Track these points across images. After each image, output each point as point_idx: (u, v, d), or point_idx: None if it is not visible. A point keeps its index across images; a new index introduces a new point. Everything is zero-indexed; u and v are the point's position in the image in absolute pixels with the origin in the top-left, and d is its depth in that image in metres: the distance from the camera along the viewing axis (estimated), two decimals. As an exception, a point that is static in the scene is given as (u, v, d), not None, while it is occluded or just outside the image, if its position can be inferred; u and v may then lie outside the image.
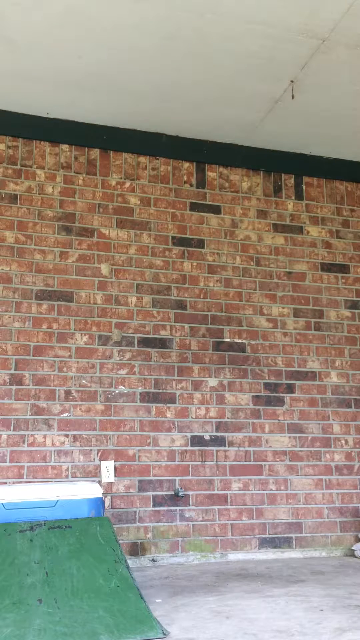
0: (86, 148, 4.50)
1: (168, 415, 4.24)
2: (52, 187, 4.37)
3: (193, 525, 4.12)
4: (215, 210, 4.68)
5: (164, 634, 2.34)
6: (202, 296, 4.50)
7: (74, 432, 4.05)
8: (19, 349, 4.06)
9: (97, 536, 2.76)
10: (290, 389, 4.52)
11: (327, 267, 4.84)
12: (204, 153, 4.65)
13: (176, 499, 4.11)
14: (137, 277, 4.40)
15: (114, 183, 4.51)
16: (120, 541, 3.88)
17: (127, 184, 4.53)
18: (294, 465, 4.40)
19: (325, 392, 4.59)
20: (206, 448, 4.26)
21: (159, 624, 2.39)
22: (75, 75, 3.92)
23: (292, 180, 4.91)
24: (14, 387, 4.00)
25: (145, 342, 4.31)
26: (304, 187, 4.92)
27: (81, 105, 4.24)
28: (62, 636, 2.24)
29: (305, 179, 4.95)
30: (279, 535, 4.23)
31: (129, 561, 2.87)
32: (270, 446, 4.39)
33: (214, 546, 4.12)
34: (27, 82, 3.98)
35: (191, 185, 4.65)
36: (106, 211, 4.44)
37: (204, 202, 4.66)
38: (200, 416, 4.30)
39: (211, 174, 4.71)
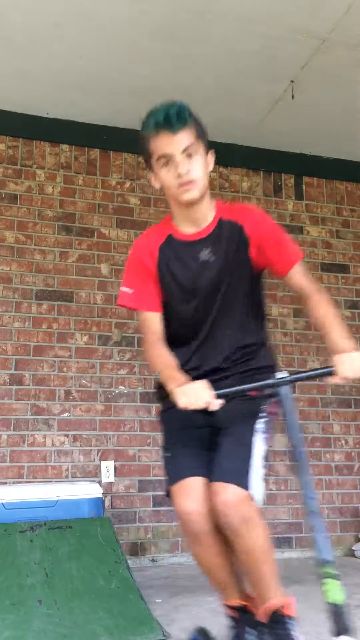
0: (86, 148, 4.49)
1: (168, 415, 4.23)
2: (52, 187, 4.36)
3: (193, 525, 4.11)
4: (215, 210, 4.67)
5: (164, 635, 2.34)
6: (202, 296, 4.49)
7: (74, 432, 4.05)
8: (19, 349, 4.06)
9: (98, 537, 2.76)
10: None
11: (327, 267, 4.84)
12: (204, 153, 4.64)
13: (176, 499, 4.11)
14: (137, 277, 4.38)
15: (114, 183, 4.50)
16: (120, 541, 3.87)
17: (127, 184, 4.53)
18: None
19: (325, 392, 4.59)
20: (206, 448, 4.25)
21: (159, 625, 2.39)
22: (75, 76, 3.91)
23: (292, 180, 4.91)
24: (14, 387, 4.00)
25: (145, 342, 4.30)
26: (304, 187, 4.92)
27: (81, 105, 4.24)
28: (61, 638, 2.23)
29: (305, 179, 4.94)
30: (279, 535, 4.23)
31: (129, 561, 2.87)
32: (270, 446, 4.38)
33: (214, 546, 4.12)
34: (27, 82, 3.98)
35: (191, 185, 4.64)
36: (106, 211, 4.44)
37: (204, 202, 4.65)
38: (200, 416, 4.29)
39: (211, 173, 4.69)
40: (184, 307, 1.87)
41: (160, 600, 2.92)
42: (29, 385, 4.03)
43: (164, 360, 1.79)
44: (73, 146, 4.46)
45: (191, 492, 1.75)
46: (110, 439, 4.11)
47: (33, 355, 4.08)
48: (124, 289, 1.92)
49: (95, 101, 4.19)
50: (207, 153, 1.92)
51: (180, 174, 1.78)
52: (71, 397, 4.09)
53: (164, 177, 1.84)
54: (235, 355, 1.86)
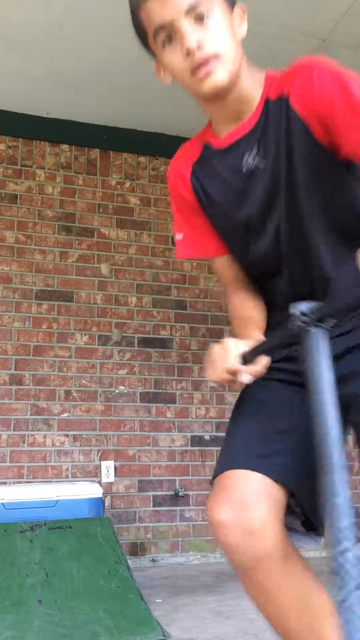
0: (86, 148, 4.49)
1: (168, 415, 4.24)
2: (52, 187, 4.36)
3: (193, 525, 4.12)
4: (215, 210, 4.67)
5: (164, 635, 2.34)
6: (202, 296, 4.49)
7: (74, 432, 4.05)
8: (19, 349, 4.06)
9: (98, 537, 2.76)
10: (290, 389, 4.52)
11: (327, 267, 4.83)
12: (204, 153, 4.64)
13: (176, 499, 4.11)
14: (137, 277, 4.39)
15: (114, 183, 4.50)
16: (120, 541, 3.87)
17: (127, 184, 4.53)
18: (294, 465, 4.40)
19: (325, 392, 4.58)
20: (206, 448, 4.26)
21: (159, 625, 2.39)
22: (75, 76, 3.91)
23: (292, 180, 4.91)
24: (14, 387, 4.00)
25: (145, 342, 4.31)
26: (304, 187, 4.92)
27: (81, 105, 4.23)
28: (61, 638, 2.24)
29: (306, 178, 4.94)
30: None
31: (129, 561, 2.87)
32: None
33: (214, 546, 4.12)
34: (27, 82, 3.98)
35: (191, 185, 4.64)
36: (106, 211, 4.44)
37: (204, 202, 4.65)
38: (200, 416, 4.30)
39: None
40: (241, 244, 1.29)
41: (160, 600, 2.93)
42: (29, 385, 4.03)
43: (233, 311, 1.34)
44: (73, 146, 4.46)
45: (234, 490, 1.13)
46: (110, 439, 4.11)
47: (33, 355, 4.08)
48: (176, 236, 1.39)
49: (95, 101, 4.19)
50: (232, 8, 1.22)
51: (190, 50, 1.13)
52: (71, 397, 4.09)
53: (170, 61, 1.18)
54: (344, 286, 1.20)
